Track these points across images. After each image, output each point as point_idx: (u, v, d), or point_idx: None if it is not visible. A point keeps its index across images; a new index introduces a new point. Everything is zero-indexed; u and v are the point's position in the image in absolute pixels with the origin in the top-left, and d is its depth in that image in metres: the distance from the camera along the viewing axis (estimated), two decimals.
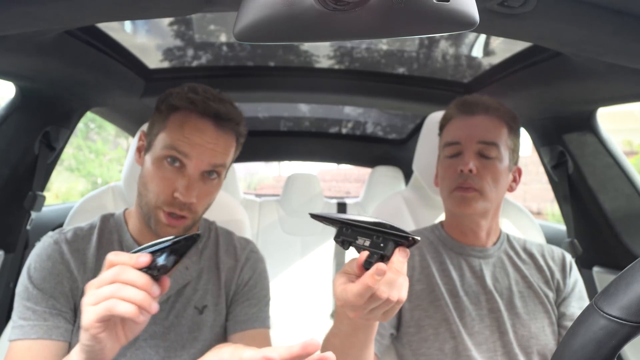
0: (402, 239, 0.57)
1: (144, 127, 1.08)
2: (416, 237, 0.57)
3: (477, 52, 1.41)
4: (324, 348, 0.76)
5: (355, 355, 0.72)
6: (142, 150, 0.88)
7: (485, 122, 0.94)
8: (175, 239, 0.59)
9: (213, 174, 0.84)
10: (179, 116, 0.82)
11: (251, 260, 0.95)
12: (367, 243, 0.58)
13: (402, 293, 0.58)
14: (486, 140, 0.92)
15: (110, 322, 0.59)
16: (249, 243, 0.98)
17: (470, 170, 0.89)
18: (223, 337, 0.90)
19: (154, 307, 0.58)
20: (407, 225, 1.19)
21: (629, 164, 1.24)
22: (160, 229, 0.81)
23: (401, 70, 1.60)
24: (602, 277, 1.28)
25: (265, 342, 0.89)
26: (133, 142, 1.22)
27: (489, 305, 0.92)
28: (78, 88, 1.28)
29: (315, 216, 0.61)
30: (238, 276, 0.92)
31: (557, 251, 1.01)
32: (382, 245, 0.57)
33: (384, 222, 0.57)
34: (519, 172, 1.01)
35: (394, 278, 0.56)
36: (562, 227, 1.45)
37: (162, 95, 0.86)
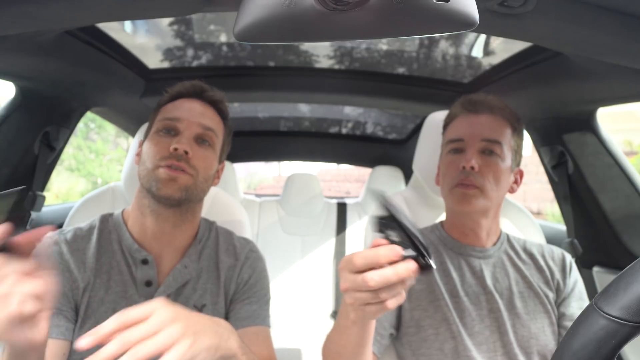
0: (422, 257, 0.55)
1: (143, 129, 1.09)
2: (433, 266, 0.55)
3: (477, 52, 1.41)
4: (325, 345, 0.76)
5: (349, 355, 0.71)
6: (140, 153, 0.92)
7: (490, 120, 0.94)
8: None
9: (205, 142, 0.89)
10: (171, 103, 0.93)
11: (250, 260, 0.95)
12: (397, 240, 0.58)
13: (392, 297, 0.56)
14: (490, 138, 0.92)
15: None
16: (249, 242, 0.99)
17: (472, 167, 0.89)
18: None
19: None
20: None
21: (629, 164, 1.24)
22: (162, 186, 0.82)
23: (401, 70, 1.60)
24: (602, 277, 1.28)
25: (266, 339, 0.89)
26: (133, 142, 1.22)
27: (489, 306, 0.92)
28: (78, 88, 1.28)
29: (386, 204, 0.60)
30: (238, 275, 0.92)
31: (557, 251, 1.01)
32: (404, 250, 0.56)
33: (422, 240, 0.56)
34: (521, 174, 1.01)
35: (392, 279, 0.54)
36: (562, 227, 1.45)
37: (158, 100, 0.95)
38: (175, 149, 0.83)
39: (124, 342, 0.51)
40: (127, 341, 0.52)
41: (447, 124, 1.02)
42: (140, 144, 0.94)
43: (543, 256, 0.99)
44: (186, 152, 0.83)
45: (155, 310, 0.56)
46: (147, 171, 0.84)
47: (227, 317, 0.90)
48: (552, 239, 1.31)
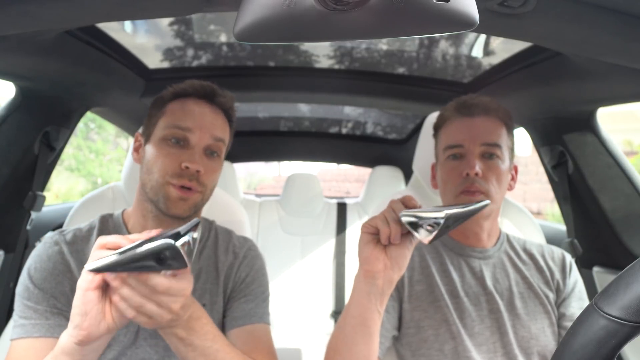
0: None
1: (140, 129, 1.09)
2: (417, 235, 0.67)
3: (477, 52, 1.41)
4: (333, 337, 0.78)
5: (353, 336, 0.74)
6: (139, 149, 0.90)
7: (487, 123, 0.94)
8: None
9: (214, 153, 0.87)
10: (177, 102, 0.88)
11: (248, 258, 0.95)
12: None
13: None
14: (489, 142, 0.92)
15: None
16: (247, 241, 0.99)
17: (477, 174, 0.89)
18: None
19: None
20: None
21: (629, 164, 1.24)
22: (172, 205, 0.81)
23: (401, 70, 1.60)
24: (602, 277, 1.28)
25: (265, 337, 0.88)
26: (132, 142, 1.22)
27: (489, 306, 0.92)
28: (78, 88, 1.28)
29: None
30: (235, 273, 0.92)
31: (557, 251, 1.01)
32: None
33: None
34: (516, 169, 1.01)
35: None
36: (562, 227, 1.45)
37: (156, 96, 0.92)
38: (187, 168, 0.81)
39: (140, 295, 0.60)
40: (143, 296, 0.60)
41: (439, 126, 1.01)
42: (138, 139, 0.91)
43: (543, 256, 0.99)
44: (198, 171, 0.82)
45: (179, 298, 0.62)
46: (155, 183, 0.82)
47: (224, 316, 0.90)
48: (552, 239, 1.31)
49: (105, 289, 0.61)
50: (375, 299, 0.72)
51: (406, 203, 0.71)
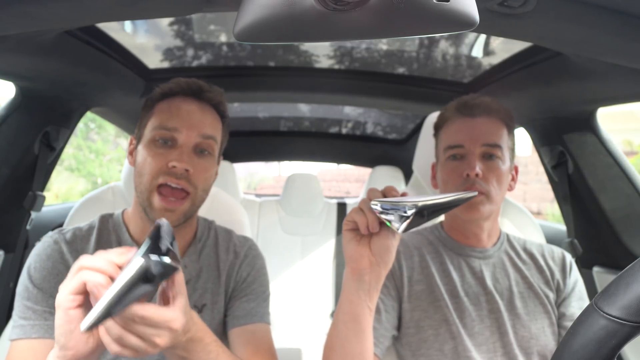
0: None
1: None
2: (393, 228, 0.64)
3: (477, 52, 1.41)
4: (328, 335, 0.78)
5: (346, 334, 0.74)
6: (133, 152, 0.90)
7: (488, 124, 0.94)
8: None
9: (205, 151, 0.85)
10: (165, 102, 0.86)
11: (249, 257, 0.95)
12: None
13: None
14: (490, 142, 0.92)
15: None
16: (248, 240, 0.99)
17: (477, 175, 0.89)
18: (221, 334, 0.90)
19: None
20: None
21: (629, 164, 1.24)
22: (156, 216, 0.79)
23: (401, 70, 1.60)
24: (602, 277, 1.28)
25: (266, 336, 0.88)
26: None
27: (489, 306, 0.92)
28: (78, 88, 1.28)
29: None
30: (237, 273, 0.92)
31: (557, 251, 1.01)
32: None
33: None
34: (516, 170, 1.01)
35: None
36: (562, 227, 1.45)
37: (146, 98, 0.90)
38: (174, 167, 0.79)
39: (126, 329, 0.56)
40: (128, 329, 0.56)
41: (440, 126, 1.01)
42: (132, 142, 0.91)
43: (543, 256, 0.99)
44: (187, 170, 0.80)
45: (167, 326, 0.57)
46: (143, 187, 0.81)
47: (225, 315, 0.90)
48: (552, 239, 1.31)
49: (87, 305, 0.58)
50: (365, 295, 0.72)
51: (386, 192, 0.69)
